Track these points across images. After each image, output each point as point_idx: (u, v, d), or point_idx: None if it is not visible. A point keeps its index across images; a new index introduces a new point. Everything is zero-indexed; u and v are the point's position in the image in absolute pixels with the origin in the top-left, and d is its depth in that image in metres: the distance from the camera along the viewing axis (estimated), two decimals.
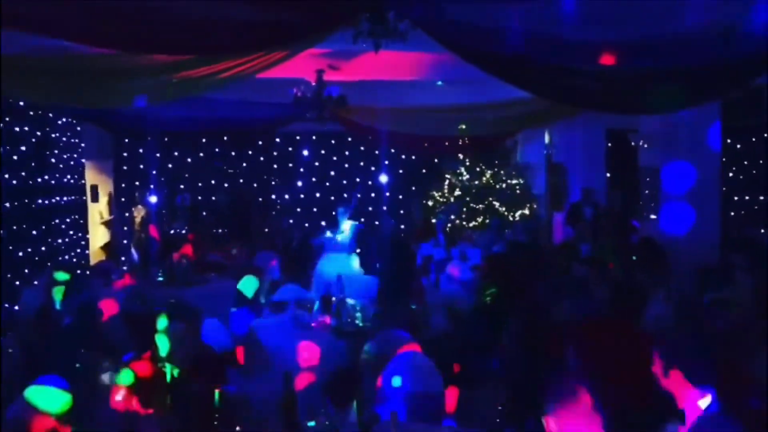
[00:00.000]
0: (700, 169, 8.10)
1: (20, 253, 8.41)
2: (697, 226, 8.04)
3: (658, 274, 5.96)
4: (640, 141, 11.64)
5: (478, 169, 12.84)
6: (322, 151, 14.38)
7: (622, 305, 4.26)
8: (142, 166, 13.21)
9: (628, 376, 3.30)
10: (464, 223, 12.53)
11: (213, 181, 14.07)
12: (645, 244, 7.20)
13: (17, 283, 7.88)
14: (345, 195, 14.27)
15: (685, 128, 8.06)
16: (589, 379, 2.42)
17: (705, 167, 8.12)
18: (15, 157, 8.44)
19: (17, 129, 8.56)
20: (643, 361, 2.72)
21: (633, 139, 12.05)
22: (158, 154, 13.04)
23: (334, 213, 10.50)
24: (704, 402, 2.54)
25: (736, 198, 11.12)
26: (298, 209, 14.33)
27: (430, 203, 13.07)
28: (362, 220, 10.27)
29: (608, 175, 11.82)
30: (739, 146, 11.05)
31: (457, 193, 12.82)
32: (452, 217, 12.31)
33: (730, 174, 10.84)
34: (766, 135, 11.00)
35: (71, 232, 10.54)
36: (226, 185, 14.10)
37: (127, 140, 13.27)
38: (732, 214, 10.98)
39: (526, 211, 12.48)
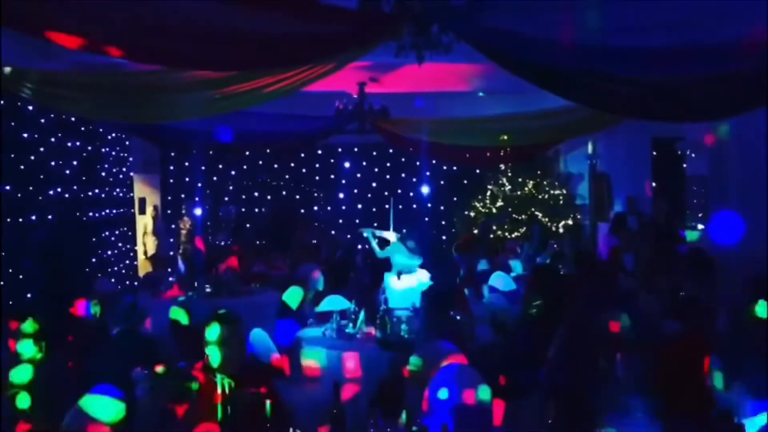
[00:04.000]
0: (749, 177, 7.92)
1: (70, 265, 8.61)
2: (747, 235, 7.86)
3: (708, 285, 5.84)
4: (686, 149, 11.44)
5: (520, 179, 12.76)
6: (364, 163, 14.46)
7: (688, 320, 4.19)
8: (187, 179, 13.45)
9: (686, 389, 3.25)
10: (506, 234, 12.45)
11: (256, 194, 14.25)
12: (694, 255, 7.05)
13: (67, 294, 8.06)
14: (386, 206, 14.33)
15: (732, 135, 7.90)
16: (644, 392, 2.39)
17: (753, 174, 7.95)
18: (67, 172, 8.67)
19: (69, 144, 8.80)
20: (701, 373, 2.68)
21: (679, 148, 11.84)
22: (203, 167, 13.26)
23: None
24: (765, 416, 2.48)
25: None
26: (340, 221, 14.41)
27: (473, 214, 13.02)
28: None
29: (654, 184, 11.63)
30: None
31: (500, 203, 12.75)
32: (494, 227, 12.24)
33: None
34: None
35: (120, 244, 10.78)
36: (269, 197, 14.27)
37: (173, 154, 13.52)
38: None
39: (570, 222, 12.35)
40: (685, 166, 12.06)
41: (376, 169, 14.48)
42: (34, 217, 7.76)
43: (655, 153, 11.74)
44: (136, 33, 4.60)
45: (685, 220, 11.45)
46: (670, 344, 4.21)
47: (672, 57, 5.13)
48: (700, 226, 11.52)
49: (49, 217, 8.10)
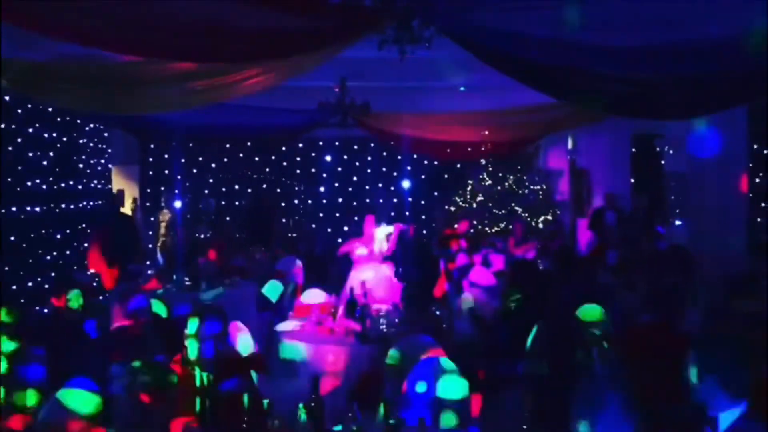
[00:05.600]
0: (726, 175, 8.01)
1: (47, 257, 8.53)
2: (724, 232, 7.95)
3: (687, 282, 5.91)
4: (665, 146, 11.55)
5: (500, 174, 12.80)
6: (345, 157, 14.43)
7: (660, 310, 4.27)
8: (167, 171, 13.35)
9: (661, 382, 3.29)
10: (486, 228, 12.49)
11: (237, 186, 14.18)
12: (674, 252, 7.13)
13: (46, 286, 7.98)
14: (367, 200, 14.34)
15: (710, 134, 7.98)
16: (620, 384, 2.41)
17: (731, 172, 8.04)
18: (44, 163, 8.56)
19: (45, 135, 8.68)
20: (676, 366, 2.71)
21: (658, 144, 11.95)
22: (183, 160, 13.16)
23: None
24: (737, 410, 2.52)
25: (762, 204, 10.97)
26: (321, 214, 14.39)
27: (453, 209, 13.05)
28: None
29: (633, 180, 11.72)
30: (766, 152, 10.89)
31: (480, 198, 12.79)
32: (474, 222, 12.26)
33: (757, 180, 10.70)
34: None
35: None
36: (249, 190, 14.20)
37: (153, 146, 13.41)
38: (759, 220, 10.83)
39: (549, 217, 12.41)
40: (663, 162, 12.18)
41: (357, 163, 14.46)
42: (15, 209, 7.67)
43: (634, 149, 11.83)
44: (117, 25, 4.57)
45: (667, 217, 11.56)
46: (640, 333, 4.26)
47: (653, 55, 5.18)
48: (678, 222, 11.64)
49: (27, 208, 8.00)
